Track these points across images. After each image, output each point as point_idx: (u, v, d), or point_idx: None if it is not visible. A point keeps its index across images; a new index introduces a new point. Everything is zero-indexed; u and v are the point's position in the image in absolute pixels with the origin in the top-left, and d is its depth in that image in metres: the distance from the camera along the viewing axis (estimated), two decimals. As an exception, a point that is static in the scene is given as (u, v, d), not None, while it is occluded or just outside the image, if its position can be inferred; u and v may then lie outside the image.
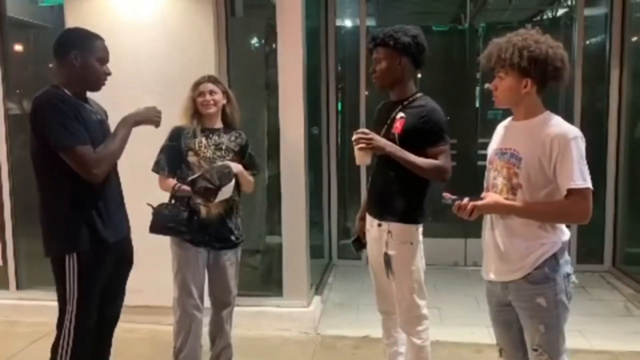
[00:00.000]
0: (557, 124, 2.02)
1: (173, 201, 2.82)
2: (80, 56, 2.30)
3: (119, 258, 2.46)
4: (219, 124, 2.97)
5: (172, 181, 2.87)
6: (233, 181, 2.82)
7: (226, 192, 2.78)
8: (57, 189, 2.28)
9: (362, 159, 2.52)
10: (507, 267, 2.09)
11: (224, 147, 2.92)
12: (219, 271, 2.96)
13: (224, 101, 2.96)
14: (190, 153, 2.88)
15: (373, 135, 2.52)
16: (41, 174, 2.29)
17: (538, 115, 2.06)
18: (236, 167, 2.89)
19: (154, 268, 3.32)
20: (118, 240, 2.42)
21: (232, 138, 2.97)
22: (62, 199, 2.28)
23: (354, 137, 2.51)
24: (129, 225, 2.55)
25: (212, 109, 2.91)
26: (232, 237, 2.97)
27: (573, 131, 1.99)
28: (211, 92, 2.90)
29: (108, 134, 2.41)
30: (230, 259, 2.98)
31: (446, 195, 2.11)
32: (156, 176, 2.92)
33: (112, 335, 2.58)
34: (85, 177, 2.23)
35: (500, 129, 2.23)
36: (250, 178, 3.00)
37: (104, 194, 2.35)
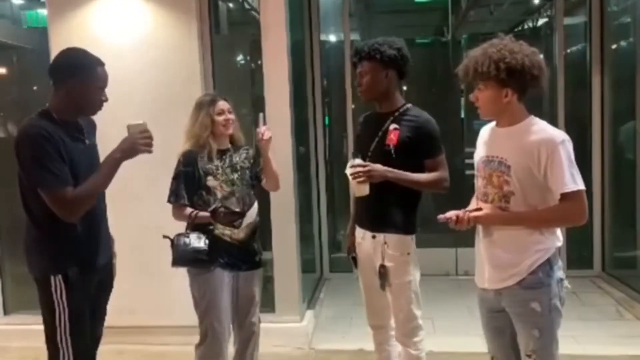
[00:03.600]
0: (543, 129, 2.03)
1: (189, 231, 2.70)
2: (80, 85, 2.18)
3: (102, 281, 2.42)
4: (227, 144, 2.86)
5: (189, 209, 2.72)
6: (256, 204, 2.79)
7: (250, 216, 2.75)
8: (42, 212, 2.21)
9: (361, 190, 2.47)
10: (502, 275, 2.09)
11: (238, 167, 2.83)
12: (246, 292, 2.87)
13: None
14: (210, 177, 2.75)
15: (371, 165, 2.46)
16: (27, 198, 2.24)
17: (522, 120, 2.07)
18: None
19: (145, 288, 3.29)
20: (103, 262, 2.38)
21: (243, 156, 2.88)
22: (48, 220, 2.22)
23: (351, 171, 2.45)
24: (112, 247, 2.49)
25: (231, 129, 2.80)
26: (257, 258, 2.91)
27: (559, 135, 2.01)
28: (229, 111, 2.79)
29: (96, 158, 2.36)
30: (256, 280, 2.92)
31: (440, 217, 2.11)
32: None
33: (95, 356, 2.51)
34: (60, 217, 2.17)
35: (484, 134, 2.23)
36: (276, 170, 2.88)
37: (90, 215, 2.28)
